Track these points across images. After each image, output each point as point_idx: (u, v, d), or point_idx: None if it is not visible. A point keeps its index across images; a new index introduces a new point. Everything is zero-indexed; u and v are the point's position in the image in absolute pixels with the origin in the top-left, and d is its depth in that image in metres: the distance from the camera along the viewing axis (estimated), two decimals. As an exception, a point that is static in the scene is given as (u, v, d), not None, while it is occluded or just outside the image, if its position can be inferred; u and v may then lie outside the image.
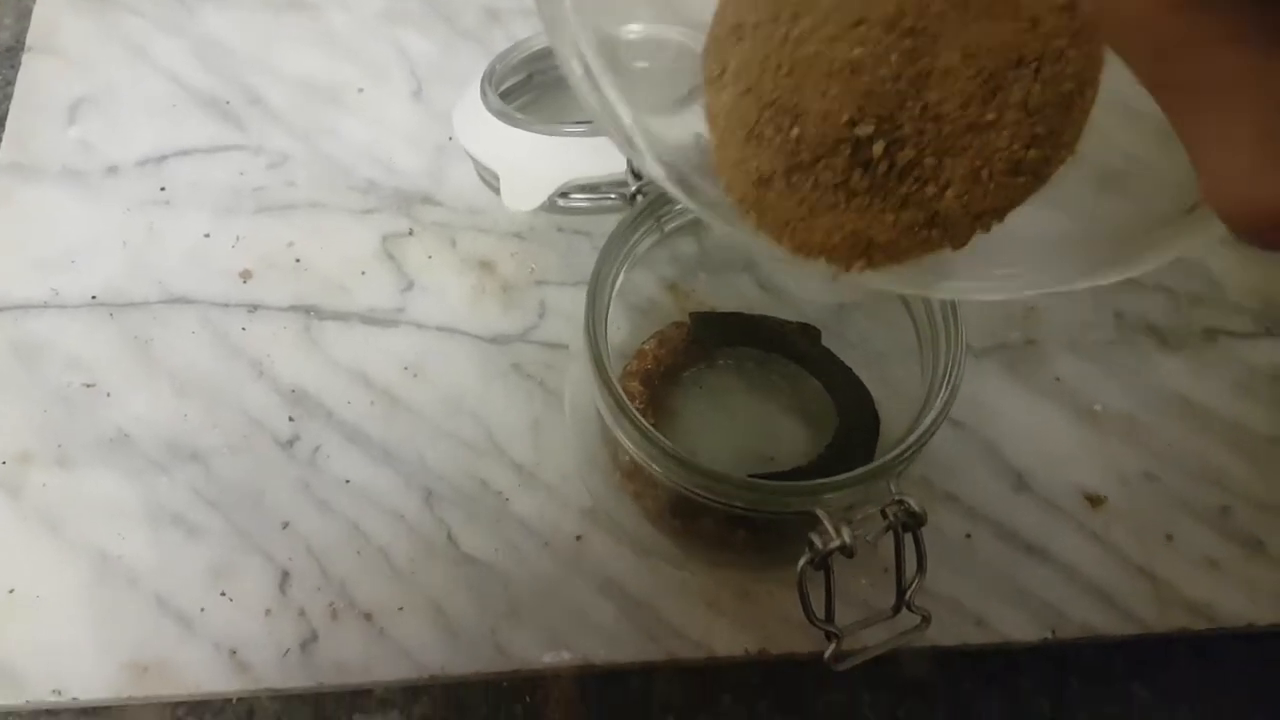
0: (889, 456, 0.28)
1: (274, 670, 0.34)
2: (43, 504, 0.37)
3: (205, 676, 0.34)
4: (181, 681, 0.34)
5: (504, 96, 0.41)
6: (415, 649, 0.35)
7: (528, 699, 0.36)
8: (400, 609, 0.35)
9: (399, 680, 0.35)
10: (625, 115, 0.24)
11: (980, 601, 0.36)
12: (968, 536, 0.37)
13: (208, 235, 0.42)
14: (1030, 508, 0.37)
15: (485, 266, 0.42)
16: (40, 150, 0.44)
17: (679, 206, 0.33)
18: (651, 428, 0.29)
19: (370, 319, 0.40)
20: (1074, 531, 0.37)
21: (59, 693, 0.34)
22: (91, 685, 0.34)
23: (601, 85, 0.23)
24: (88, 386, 0.39)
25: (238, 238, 0.42)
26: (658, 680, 0.36)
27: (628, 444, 0.30)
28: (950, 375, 0.29)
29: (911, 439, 0.28)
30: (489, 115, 0.39)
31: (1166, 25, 0.12)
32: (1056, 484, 0.37)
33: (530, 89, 0.44)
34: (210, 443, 0.38)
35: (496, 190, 0.39)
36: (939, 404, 0.29)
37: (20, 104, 0.46)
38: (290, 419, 0.38)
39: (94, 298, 0.40)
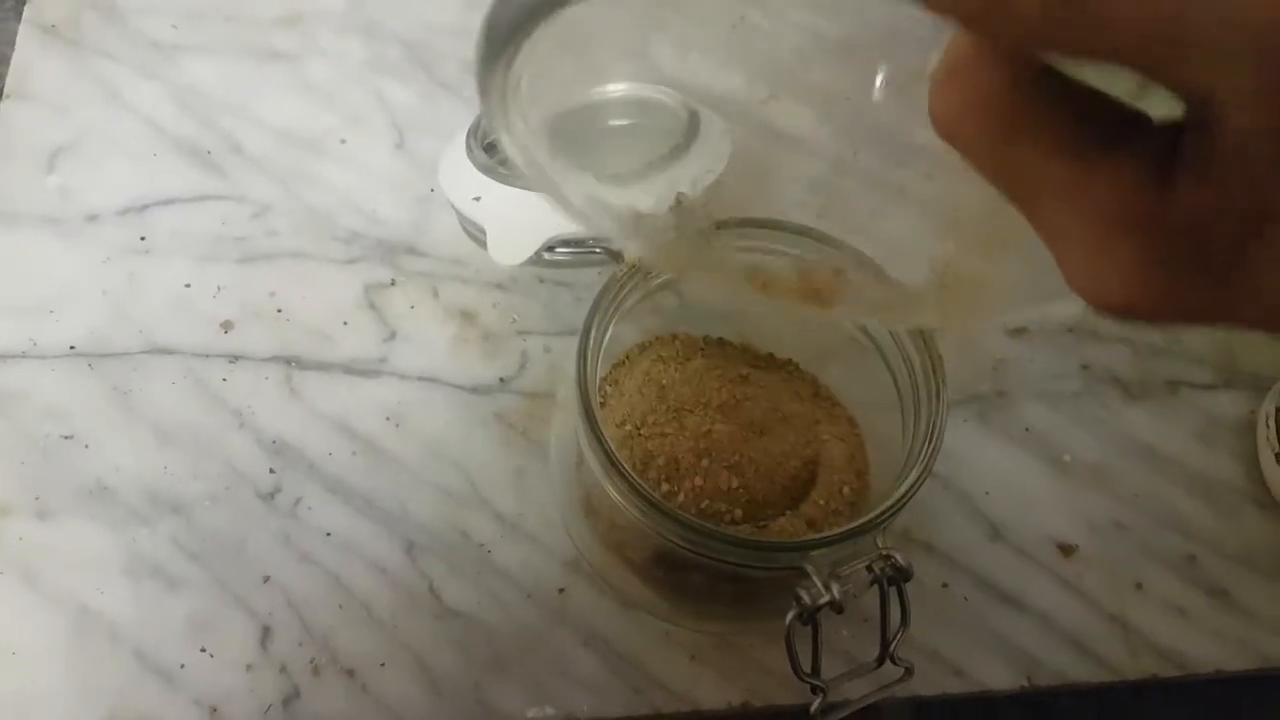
0: (876, 513, 0.29)
1: (255, 727, 0.34)
2: (20, 556, 0.36)
3: (185, 734, 0.34)
4: (160, 739, 0.34)
5: (488, 150, 0.41)
6: (398, 705, 0.35)
7: (510, 752, 0.36)
8: (382, 665, 0.35)
9: (382, 736, 0.34)
10: (576, 196, 0.25)
11: (958, 651, 0.36)
12: (945, 586, 0.37)
13: (189, 285, 0.42)
14: (1005, 557, 0.38)
15: (467, 316, 0.42)
16: (19, 198, 0.44)
17: None
18: (642, 482, 0.29)
19: (352, 369, 0.40)
20: (1047, 580, 0.38)
21: (33, 753, 0.33)
22: (67, 744, 0.33)
23: (551, 170, 0.24)
24: (66, 438, 0.38)
25: (219, 287, 0.42)
26: (641, 732, 0.36)
27: (616, 497, 0.31)
28: (934, 431, 0.30)
29: (897, 495, 0.29)
30: (475, 170, 0.39)
31: (1001, 146, 0.14)
32: (1029, 533, 0.38)
33: (513, 142, 0.45)
34: (191, 494, 0.37)
35: (481, 243, 0.40)
36: (923, 460, 0.29)
37: (0, 150, 0.46)
38: (271, 470, 0.38)
39: (73, 348, 0.40)
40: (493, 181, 0.39)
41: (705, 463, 0.35)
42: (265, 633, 0.35)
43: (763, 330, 0.40)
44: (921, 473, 0.29)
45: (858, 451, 0.37)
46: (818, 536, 0.29)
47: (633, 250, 0.34)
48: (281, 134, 0.46)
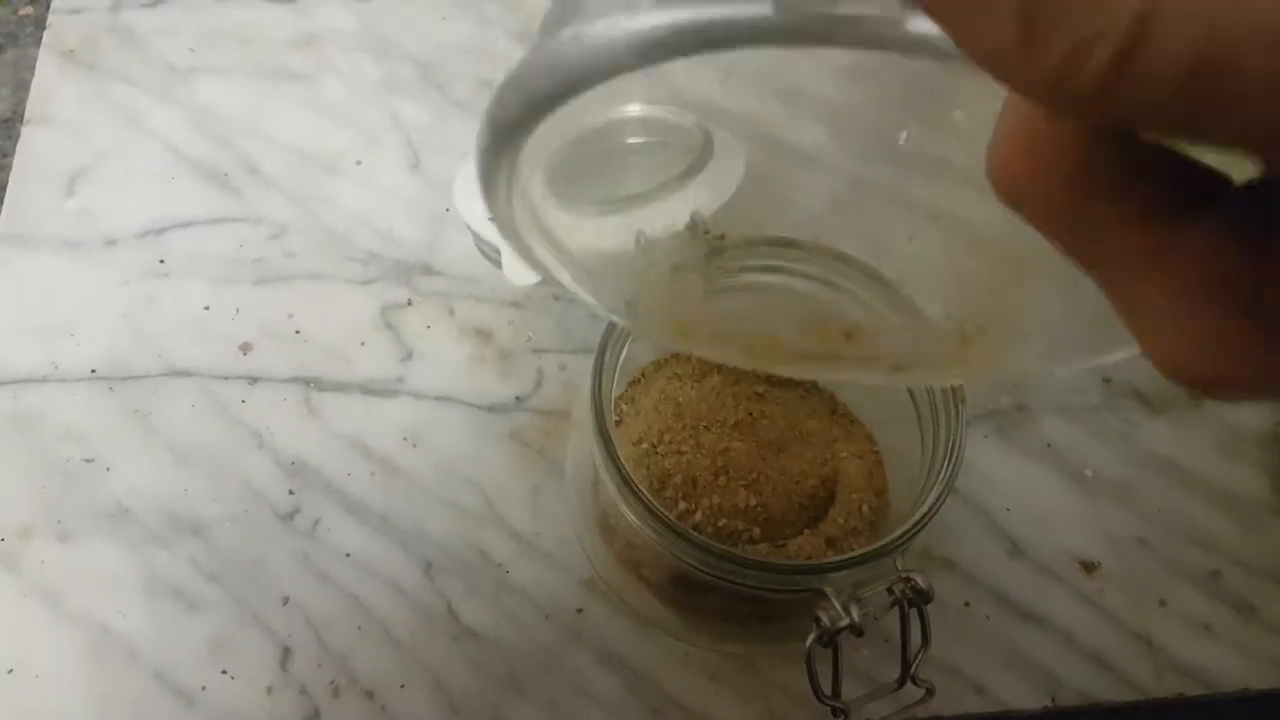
0: (896, 534, 0.29)
1: (275, 749, 0.34)
2: (41, 579, 0.36)
3: (205, 757, 0.34)
4: (181, 762, 0.34)
5: (502, 169, 0.41)
6: (417, 725, 0.35)
7: (529, 773, 0.35)
8: (402, 686, 0.35)
9: (401, 758, 0.34)
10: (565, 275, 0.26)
11: (980, 669, 0.36)
12: (966, 604, 0.37)
13: (207, 307, 0.42)
14: (1026, 574, 0.37)
15: (483, 335, 0.42)
16: (39, 221, 0.45)
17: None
18: (658, 504, 0.29)
19: (370, 389, 0.41)
20: (1070, 597, 0.37)
21: (56, 775, 0.33)
22: (89, 767, 0.34)
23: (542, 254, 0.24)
24: (87, 461, 0.39)
25: (237, 309, 0.42)
26: (659, 751, 0.36)
27: (631, 519, 0.31)
28: (953, 448, 0.30)
29: (918, 515, 0.29)
30: None
31: (1071, 210, 0.13)
32: (1051, 550, 0.38)
33: (527, 160, 0.45)
34: (210, 515, 0.38)
35: (495, 262, 0.40)
36: (943, 478, 0.29)
37: (19, 175, 0.46)
38: (290, 491, 0.38)
39: (93, 371, 0.41)
40: None
41: (723, 481, 0.35)
42: (285, 654, 0.35)
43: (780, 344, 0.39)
44: (942, 492, 0.29)
45: (876, 469, 0.37)
46: (837, 559, 0.29)
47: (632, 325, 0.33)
48: (297, 154, 0.47)
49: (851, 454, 0.37)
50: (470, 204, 0.40)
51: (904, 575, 0.29)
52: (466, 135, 0.47)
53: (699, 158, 0.40)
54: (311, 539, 0.37)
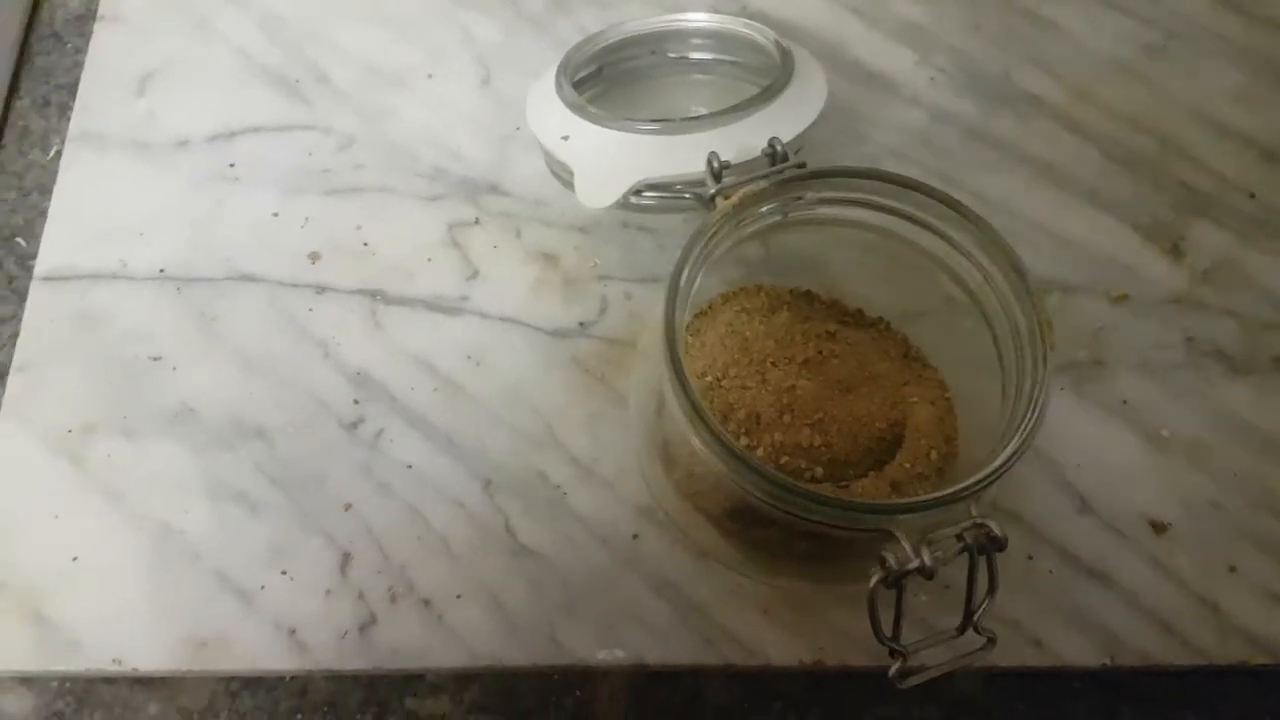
0: (972, 480, 0.28)
1: (331, 651, 0.34)
2: (106, 474, 0.37)
3: (263, 654, 0.34)
4: (239, 657, 0.34)
5: (578, 87, 0.40)
6: (471, 637, 0.35)
7: (578, 693, 0.36)
8: (458, 596, 0.35)
9: (455, 668, 0.35)
10: None
11: (1039, 624, 0.35)
12: (1029, 558, 0.36)
13: (276, 214, 0.42)
14: (1093, 531, 0.37)
15: (548, 259, 0.42)
16: (110, 121, 0.44)
17: (763, 209, 0.33)
18: (730, 436, 0.29)
19: (435, 306, 0.40)
20: (1136, 557, 0.36)
21: (119, 662, 0.34)
22: (151, 656, 0.34)
23: None
24: (154, 360, 0.39)
25: (306, 218, 0.42)
26: (707, 682, 0.36)
27: (699, 447, 0.30)
28: (1037, 399, 0.29)
29: (997, 463, 0.28)
30: (564, 108, 0.39)
31: None
32: (1120, 508, 0.37)
33: (600, 81, 0.44)
34: (275, 421, 0.38)
35: (566, 184, 0.39)
36: (1025, 428, 0.28)
37: (91, 73, 0.46)
38: (355, 401, 0.38)
39: (162, 271, 0.41)
40: (582, 121, 0.38)
41: (787, 418, 0.35)
42: (345, 559, 0.36)
43: (852, 284, 0.39)
44: (1023, 442, 0.28)
45: (947, 416, 0.36)
46: (911, 500, 0.28)
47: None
48: (367, 66, 0.46)
49: (922, 398, 0.36)
50: (544, 123, 0.40)
51: (978, 521, 0.28)
52: (538, 53, 0.46)
53: (778, 80, 0.38)
54: (374, 450, 0.37)
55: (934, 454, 0.35)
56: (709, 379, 0.36)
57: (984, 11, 0.47)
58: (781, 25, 0.44)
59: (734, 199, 0.32)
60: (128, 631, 0.35)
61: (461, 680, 0.36)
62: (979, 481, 0.28)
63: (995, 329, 0.32)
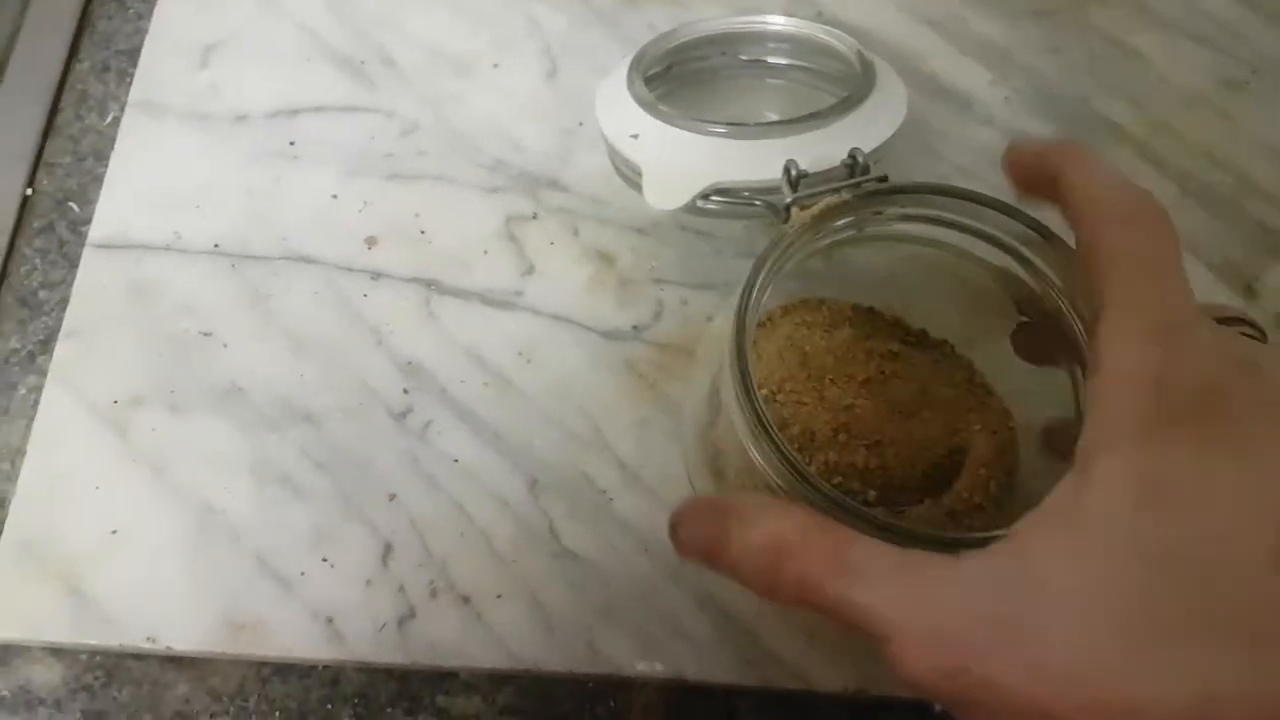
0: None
1: (368, 643, 0.34)
2: (151, 447, 0.37)
3: (299, 641, 0.34)
4: (275, 644, 0.34)
5: (649, 84, 0.40)
6: (510, 638, 0.34)
7: (611, 702, 0.35)
8: (498, 596, 0.35)
9: (491, 668, 0.34)
10: None
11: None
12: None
13: (335, 196, 0.41)
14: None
15: (605, 258, 0.41)
16: (170, 90, 0.44)
17: (839, 221, 0.32)
18: (796, 455, 0.28)
19: (489, 299, 0.40)
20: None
21: (153, 640, 0.34)
22: (186, 636, 0.34)
23: None
24: (204, 335, 0.38)
25: (365, 202, 0.41)
26: (743, 701, 0.35)
27: (759, 461, 0.29)
28: None
29: None
30: (634, 105, 0.38)
31: None
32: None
33: (669, 80, 0.43)
34: (323, 405, 0.37)
35: (632, 183, 0.39)
36: None
37: (154, 41, 0.46)
38: (405, 391, 0.38)
39: (216, 246, 0.40)
40: (653, 119, 0.38)
41: (843, 438, 0.34)
42: (386, 550, 0.35)
43: (918, 304, 0.38)
44: None
45: (1009, 447, 0.35)
46: (969, 535, 0.27)
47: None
48: (433, 51, 0.45)
49: (985, 426, 0.35)
50: (613, 119, 0.39)
51: None
52: (607, 48, 0.46)
53: (859, 90, 0.38)
54: (421, 441, 0.37)
55: (993, 485, 0.34)
56: (764, 392, 0.35)
57: (1064, 35, 0.46)
58: (855, 32, 0.43)
59: (814, 209, 0.31)
60: (163, 610, 0.34)
61: (495, 681, 0.35)
62: None
63: (1082, 353, 0.31)
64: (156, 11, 0.46)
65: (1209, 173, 0.43)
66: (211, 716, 0.34)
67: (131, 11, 0.47)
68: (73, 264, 0.41)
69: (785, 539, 0.24)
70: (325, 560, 0.35)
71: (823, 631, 0.35)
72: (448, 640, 0.34)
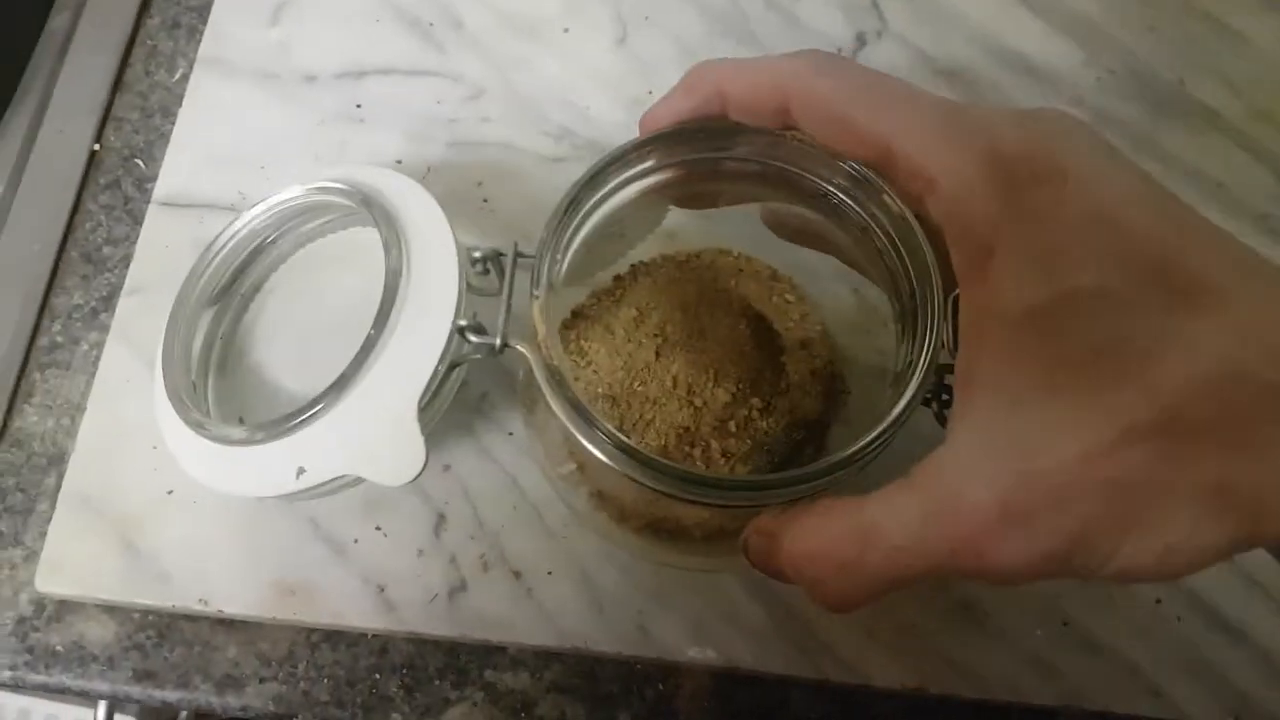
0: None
1: (419, 613, 0.34)
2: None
3: (351, 609, 0.34)
4: (326, 610, 0.34)
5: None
6: (559, 616, 0.34)
7: (660, 686, 0.34)
8: (549, 572, 0.34)
9: (540, 645, 0.34)
10: None
11: (1160, 673, 0.33)
12: (1158, 602, 0.34)
13: (399, 161, 0.41)
14: (1232, 581, 0.34)
15: (668, 236, 0.40)
16: (239, 48, 0.44)
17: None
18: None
19: (550, 271, 0.39)
20: (1277, 615, 0.34)
21: (205, 602, 0.34)
22: (238, 599, 0.34)
23: None
24: (267, 294, 0.38)
25: (429, 168, 0.41)
26: (796, 691, 0.34)
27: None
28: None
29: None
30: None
31: None
32: (1266, 560, 0.34)
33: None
34: (380, 372, 0.37)
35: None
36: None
37: (224, -1, 0.45)
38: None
39: (279, 207, 0.40)
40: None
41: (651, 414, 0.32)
42: (439, 520, 0.35)
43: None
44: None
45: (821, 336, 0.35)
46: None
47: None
48: (503, 15, 0.44)
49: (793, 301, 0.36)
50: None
51: None
52: (680, 14, 0.44)
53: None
54: (477, 413, 0.36)
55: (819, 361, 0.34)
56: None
57: (1164, 13, 0.44)
58: (942, 9, 0.41)
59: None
60: (216, 571, 0.34)
61: (543, 658, 0.34)
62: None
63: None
64: (227, -33, 0.46)
65: (1310, 164, 0.41)
66: (260, 680, 0.34)
67: (203, -33, 0.47)
68: (137, 221, 0.41)
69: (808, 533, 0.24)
70: (378, 528, 0.35)
71: (882, 627, 0.34)
72: (497, 614, 0.34)
